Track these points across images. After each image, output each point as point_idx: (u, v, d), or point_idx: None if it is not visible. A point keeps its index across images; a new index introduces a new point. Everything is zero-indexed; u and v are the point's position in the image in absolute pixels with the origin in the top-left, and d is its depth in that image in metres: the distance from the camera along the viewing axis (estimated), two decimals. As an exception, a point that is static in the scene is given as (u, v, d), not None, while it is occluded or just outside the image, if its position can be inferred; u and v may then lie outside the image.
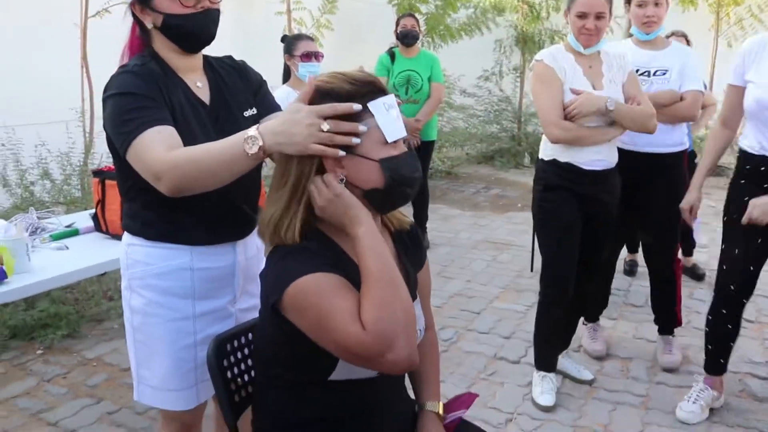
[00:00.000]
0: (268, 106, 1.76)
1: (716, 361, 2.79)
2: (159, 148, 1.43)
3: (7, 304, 3.57)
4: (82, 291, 3.81)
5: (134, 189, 1.61)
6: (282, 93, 3.54)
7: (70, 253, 2.39)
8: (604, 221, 2.79)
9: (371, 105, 1.26)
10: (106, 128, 1.55)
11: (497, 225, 5.86)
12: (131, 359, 1.76)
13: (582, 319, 3.33)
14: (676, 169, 3.05)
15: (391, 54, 4.98)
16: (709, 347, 2.78)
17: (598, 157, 2.67)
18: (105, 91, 1.54)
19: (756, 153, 2.50)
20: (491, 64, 8.34)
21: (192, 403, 1.72)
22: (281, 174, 1.31)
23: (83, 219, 2.79)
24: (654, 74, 3.00)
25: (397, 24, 4.95)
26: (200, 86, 1.65)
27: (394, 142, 1.28)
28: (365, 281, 1.21)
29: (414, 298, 1.46)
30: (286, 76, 3.81)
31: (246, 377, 1.52)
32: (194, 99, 1.62)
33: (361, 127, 1.24)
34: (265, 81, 1.81)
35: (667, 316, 3.28)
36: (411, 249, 1.52)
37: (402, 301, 1.21)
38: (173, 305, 1.65)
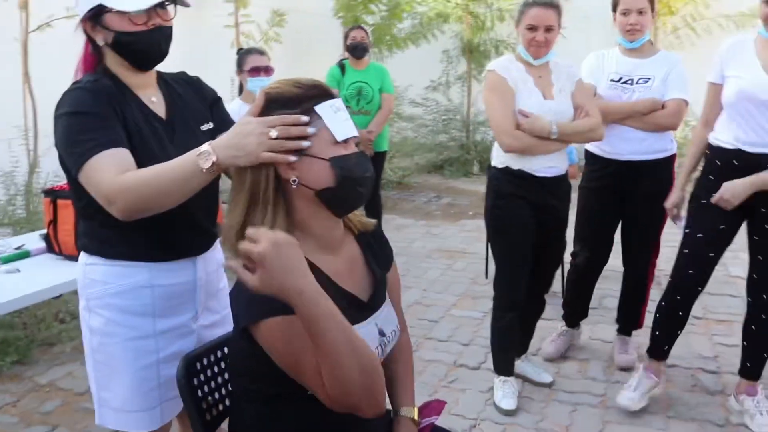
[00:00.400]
0: (223, 120, 1.76)
1: (660, 347, 2.89)
2: (110, 172, 1.42)
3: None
4: (31, 315, 3.69)
5: (90, 207, 1.57)
6: (234, 106, 3.53)
7: (21, 276, 2.32)
8: (555, 226, 2.86)
9: (318, 108, 1.29)
10: (58, 147, 1.52)
11: (450, 233, 5.92)
12: (91, 382, 1.72)
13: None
14: (661, 174, 3.07)
15: (341, 66, 4.99)
16: (657, 333, 2.88)
17: (550, 164, 2.73)
18: (57, 108, 1.52)
19: (730, 147, 2.61)
20: (438, 74, 8.44)
21: (156, 424, 1.69)
22: (238, 183, 1.33)
23: (33, 240, 2.72)
24: (636, 82, 3.03)
25: (347, 36, 4.98)
26: (155, 101, 1.64)
27: (345, 141, 1.31)
28: (317, 353, 1.16)
29: (383, 300, 1.47)
30: (241, 90, 3.80)
31: (217, 395, 1.50)
32: (150, 114, 1.61)
33: (310, 129, 1.28)
34: (219, 96, 1.82)
35: (630, 318, 3.36)
36: (377, 250, 1.52)
37: (356, 365, 1.15)
38: (133, 324, 1.63)
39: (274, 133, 1.26)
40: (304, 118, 1.27)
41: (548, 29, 2.65)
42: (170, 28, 1.61)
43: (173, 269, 1.65)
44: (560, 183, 2.81)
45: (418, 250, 5.46)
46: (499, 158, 2.81)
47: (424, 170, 8.65)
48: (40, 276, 2.31)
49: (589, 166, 3.25)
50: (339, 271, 1.37)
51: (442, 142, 8.62)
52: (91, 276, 1.64)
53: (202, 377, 1.46)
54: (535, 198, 2.76)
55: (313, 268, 1.29)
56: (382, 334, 1.42)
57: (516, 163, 2.74)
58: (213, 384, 1.50)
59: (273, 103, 1.31)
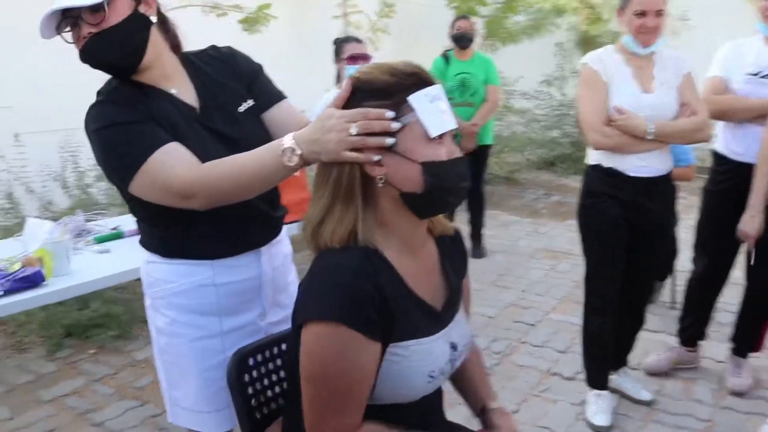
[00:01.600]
0: (268, 94, 1.63)
1: None
2: (177, 168, 1.36)
3: (62, 303, 3.63)
4: (131, 291, 3.83)
5: (151, 219, 1.56)
6: (331, 96, 3.49)
7: (110, 256, 2.38)
8: (650, 231, 2.63)
9: (411, 98, 1.16)
10: (102, 165, 1.46)
11: (557, 233, 5.66)
12: (161, 380, 1.69)
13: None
14: None
15: (446, 57, 4.87)
16: None
17: (643, 164, 2.51)
18: (87, 125, 1.44)
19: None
20: (551, 68, 8.10)
21: (228, 425, 1.63)
22: (322, 176, 1.24)
23: (129, 222, 2.80)
24: None
25: (452, 26, 4.85)
26: (185, 91, 1.53)
27: (440, 136, 1.17)
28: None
29: (456, 310, 1.36)
30: (339, 79, 3.77)
31: (270, 393, 1.44)
32: (181, 106, 1.51)
33: (395, 125, 1.15)
34: (260, 67, 1.66)
35: (748, 338, 3.05)
36: (455, 255, 1.41)
37: None
38: (198, 323, 1.57)
39: (354, 130, 1.15)
40: (389, 113, 1.15)
41: (658, 13, 2.42)
42: (107, 31, 1.39)
43: (236, 265, 1.58)
44: (657, 184, 2.57)
45: (522, 248, 5.26)
46: (591, 155, 2.65)
47: (534, 166, 8.35)
48: (127, 257, 2.36)
49: (715, 168, 2.97)
50: (416, 275, 1.27)
51: (555, 138, 8.28)
52: (154, 275, 1.60)
53: (254, 373, 1.41)
54: (627, 198, 2.56)
55: (390, 269, 1.22)
56: (454, 347, 1.32)
57: (607, 160, 2.56)
58: (267, 381, 1.44)
59: (361, 93, 1.19)
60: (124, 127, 1.40)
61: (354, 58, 3.51)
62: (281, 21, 6.44)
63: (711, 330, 3.26)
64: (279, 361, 1.48)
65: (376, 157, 1.16)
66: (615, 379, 2.93)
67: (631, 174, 2.53)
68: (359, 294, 1.13)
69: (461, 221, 5.21)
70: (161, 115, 1.46)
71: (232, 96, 1.57)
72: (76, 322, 3.60)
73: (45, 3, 1.40)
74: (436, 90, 1.19)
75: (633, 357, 3.06)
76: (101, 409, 2.94)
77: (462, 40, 4.77)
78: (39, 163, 4.08)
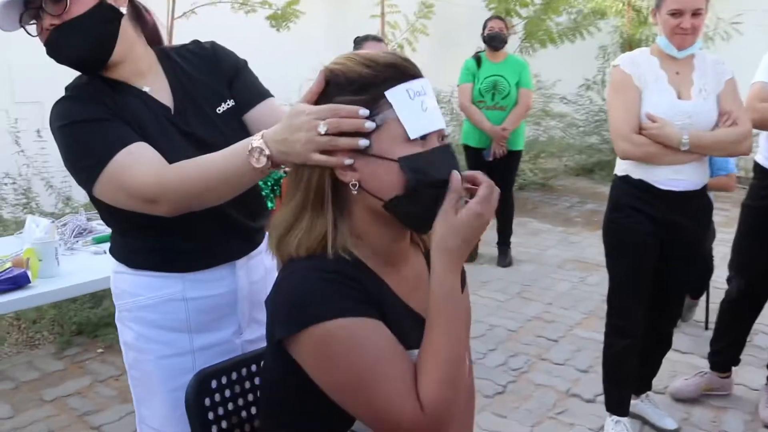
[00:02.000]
0: (250, 92, 1.49)
1: None
2: (141, 170, 1.25)
3: (75, 300, 3.61)
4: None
5: (115, 218, 1.44)
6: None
7: (105, 258, 2.30)
8: (683, 250, 2.46)
9: (389, 93, 1.01)
10: (66, 165, 1.35)
11: (588, 243, 5.45)
12: (133, 396, 1.58)
13: None
14: None
15: (477, 58, 4.72)
16: None
17: (678, 177, 2.33)
18: (50, 123, 1.34)
19: None
20: (592, 71, 7.85)
21: None
22: (293, 178, 1.10)
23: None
24: None
25: (485, 27, 4.70)
26: (159, 89, 1.42)
27: (423, 137, 1.03)
28: (434, 352, 1.00)
29: None
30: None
31: (234, 418, 1.33)
32: (154, 105, 1.39)
33: (369, 124, 1.00)
34: (244, 62, 1.53)
35: None
36: None
37: (464, 379, 1.05)
38: (166, 339, 1.46)
39: (323, 128, 1.00)
40: (363, 111, 1.00)
41: (695, 13, 2.25)
42: (77, 20, 1.29)
43: (209, 279, 1.47)
44: (692, 199, 2.38)
45: (550, 258, 5.08)
46: (620, 165, 2.48)
47: (572, 173, 8.13)
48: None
49: (757, 181, 2.78)
50: (402, 285, 1.13)
51: (593, 144, 8.03)
52: (120, 286, 1.48)
53: (216, 397, 1.29)
54: (658, 213, 2.38)
55: (373, 275, 1.08)
56: None
57: (637, 171, 2.38)
58: (232, 406, 1.32)
59: (335, 87, 1.04)
60: (87, 125, 1.30)
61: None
62: (318, 20, 6.37)
63: (746, 354, 3.05)
64: (247, 384, 1.36)
65: (348, 161, 1.02)
66: (637, 404, 2.75)
67: (663, 187, 2.35)
68: (336, 286, 1.01)
69: (489, 227, 5.05)
70: (130, 113, 1.35)
71: (211, 96, 1.46)
72: (87, 320, 3.56)
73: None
74: (419, 84, 1.04)
75: (659, 380, 2.87)
76: (101, 412, 2.89)
77: (494, 42, 4.62)
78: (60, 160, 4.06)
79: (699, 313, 3.72)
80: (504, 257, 4.92)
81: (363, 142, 1.01)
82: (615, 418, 2.61)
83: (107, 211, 1.41)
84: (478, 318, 3.88)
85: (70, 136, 1.32)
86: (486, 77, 4.63)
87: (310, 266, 1.04)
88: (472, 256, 4.84)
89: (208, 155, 1.24)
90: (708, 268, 3.53)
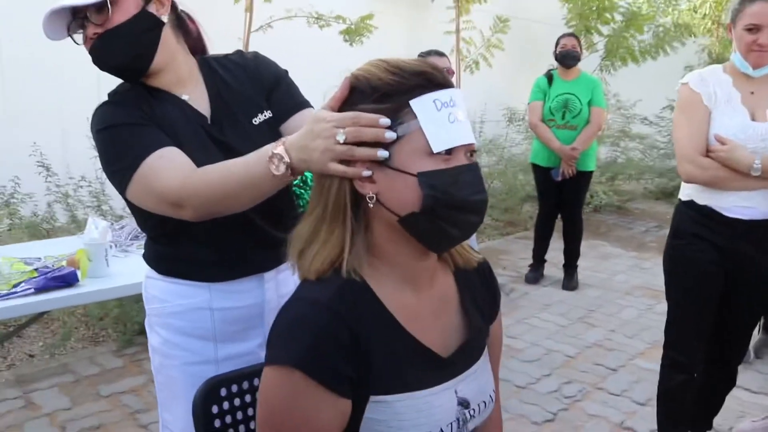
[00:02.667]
0: (287, 102, 1.49)
1: None
2: (169, 174, 1.27)
3: (138, 300, 3.72)
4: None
5: (148, 225, 1.47)
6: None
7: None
8: (751, 282, 2.29)
9: (414, 103, 0.96)
10: (104, 170, 1.39)
11: (661, 270, 5.16)
12: (158, 400, 1.60)
13: None
14: None
15: (549, 76, 4.62)
16: None
17: (747, 204, 2.18)
18: (91, 128, 1.38)
19: None
20: (676, 92, 7.58)
21: None
22: (316, 188, 1.06)
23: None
24: None
25: (557, 44, 4.59)
26: (197, 98, 1.44)
27: (448, 152, 0.97)
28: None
29: (476, 357, 1.13)
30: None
31: (242, 428, 1.33)
32: (191, 113, 1.42)
33: (390, 134, 0.95)
34: (284, 74, 1.53)
35: None
36: (481, 292, 1.18)
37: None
38: (192, 347, 1.48)
39: (341, 137, 0.97)
40: (384, 120, 0.95)
41: None
42: (119, 28, 1.33)
43: (236, 291, 1.48)
44: (760, 228, 2.21)
45: (619, 284, 4.89)
46: (684, 189, 2.34)
47: (651, 196, 7.84)
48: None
49: None
50: (416, 314, 1.06)
51: (674, 167, 7.71)
52: (151, 291, 1.52)
53: (225, 405, 1.30)
54: (722, 242, 2.23)
55: (378, 305, 1.03)
56: (464, 405, 1.08)
57: (702, 197, 2.24)
58: (241, 415, 1.32)
59: (359, 94, 0.99)
60: (122, 129, 1.34)
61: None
62: (393, 36, 6.43)
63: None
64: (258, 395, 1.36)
65: (366, 173, 0.97)
66: (695, 444, 2.59)
67: (729, 215, 2.21)
68: (325, 338, 0.96)
69: (556, 249, 4.92)
70: (166, 121, 1.38)
71: (248, 106, 1.47)
72: (149, 320, 3.67)
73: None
74: (448, 95, 0.98)
75: (724, 419, 2.71)
76: (151, 411, 2.96)
77: (566, 59, 4.52)
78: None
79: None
80: (569, 280, 4.77)
81: (382, 153, 0.96)
82: (667, 456, 2.48)
83: (141, 217, 1.45)
84: (535, 341, 3.78)
85: (107, 139, 1.35)
86: (557, 95, 4.53)
87: (314, 295, 1.01)
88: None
89: (232, 160, 1.25)
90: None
